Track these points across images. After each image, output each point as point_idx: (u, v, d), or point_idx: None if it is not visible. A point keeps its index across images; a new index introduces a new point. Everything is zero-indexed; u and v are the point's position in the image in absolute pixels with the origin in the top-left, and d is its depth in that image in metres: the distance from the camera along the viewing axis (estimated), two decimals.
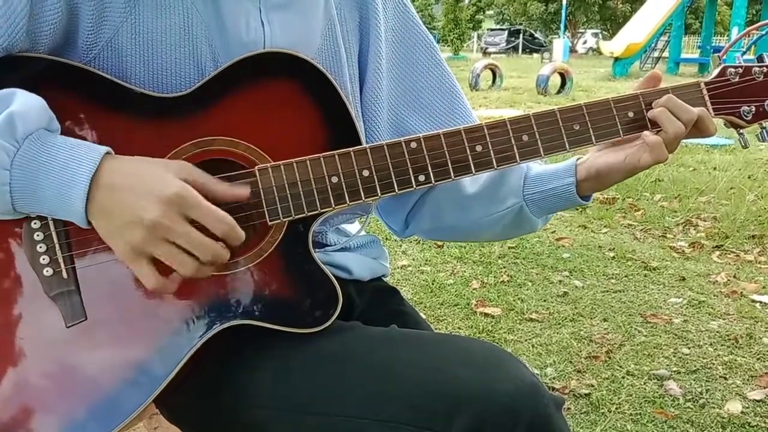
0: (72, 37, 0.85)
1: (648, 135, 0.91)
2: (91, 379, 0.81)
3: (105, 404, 0.81)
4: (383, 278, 1.13)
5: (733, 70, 0.94)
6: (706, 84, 0.94)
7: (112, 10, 0.84)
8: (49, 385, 0.81)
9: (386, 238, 3.53)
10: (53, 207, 0.77)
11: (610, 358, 2.40)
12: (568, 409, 2.06)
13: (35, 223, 0.80)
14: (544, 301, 2.94)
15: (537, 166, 1.02)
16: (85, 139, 0.80)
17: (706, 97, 0.94)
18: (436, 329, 2.13)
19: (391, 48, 1.04)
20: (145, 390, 0.81)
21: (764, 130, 0.96)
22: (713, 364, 2.36)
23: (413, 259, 3.44)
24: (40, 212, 0.78)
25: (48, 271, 0.81)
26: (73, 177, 0.75)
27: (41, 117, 0.77)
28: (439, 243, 3.61)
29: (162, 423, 1.23)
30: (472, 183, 1.05)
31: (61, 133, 0.79)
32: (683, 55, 22.02)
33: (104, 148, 0.77)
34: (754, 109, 0.95)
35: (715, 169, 5.63)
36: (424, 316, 1.12)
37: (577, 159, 0.99)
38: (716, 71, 0.95)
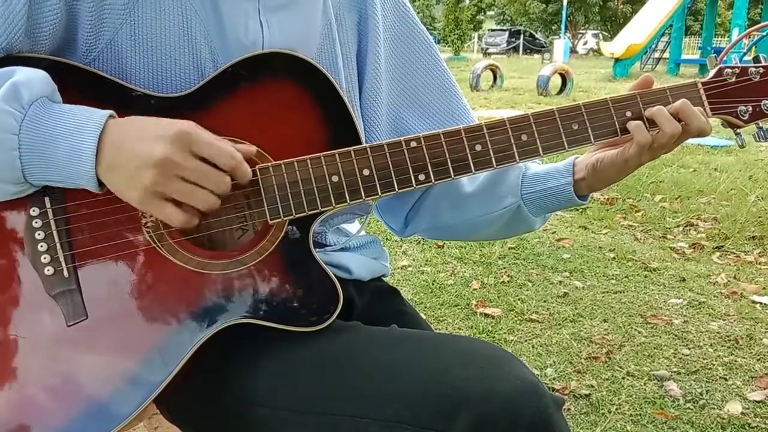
0: (72, 38, 0.85)
1: (632, 122, 0.91)
2: (92, 377, 0.82)
3: (106, 403, 0.81)
4: (383, 278, 1.13)
5: (729, 70, 0.95)
6: (704, 84, 0.95)
7: (111, 12, 0.85)
8: (50, 384, 0.81)
9: (386, 239, 3.53)
10: (63, 171, 0.77)
11: (610, 358, 2.41)
12: (568, 409, 2.06)
13: (36, 222, 0.81)
14: (545, 301, 2.94)
15: (535, 166, 1.03)
16: None
17: (704, 97, 0.94)
18: (436, 329, 2.13)
19: (390, 47, 1.05)
20: (145, 389, 0.82)
21: (761, 130, 0.97)
22: (713, 364, 2.36)
23: (413, 260, 3.44)
24: (50, 179, 0.78)
25: (49, 270, 0.81)
26: (80, 139, 0.76)
27: (44, 86, 0.78)
28: (440, 243, 3.62)
29: (162, 423, 1.23)
30: (470, 182, 1.05)
31: None
32: (684, 56, 22.01)
33: (108, 111, 0.78)
34: (750, 109, 0.95)
35: (715, 170, 5.63)
36: (424, 317, 1.12)
37: (575, 159, 0.99)
38: (713, 71, 0.96)
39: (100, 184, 0.78)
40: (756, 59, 0.96)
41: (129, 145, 0.76)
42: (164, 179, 0.76)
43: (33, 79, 0.77)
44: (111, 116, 0.78)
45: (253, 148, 0.84)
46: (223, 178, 0.79)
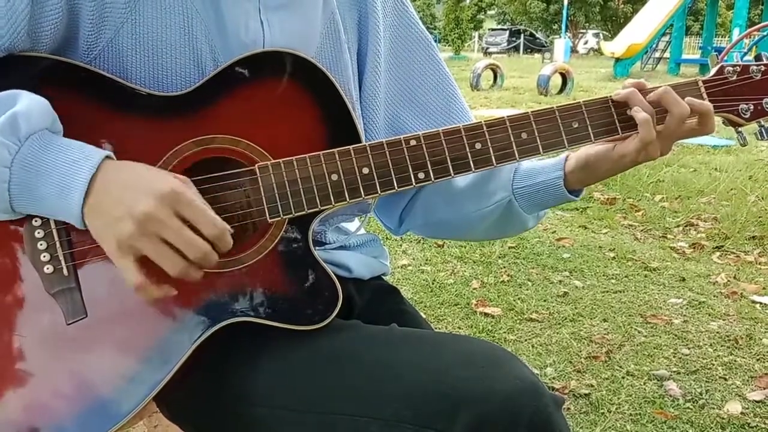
0: (73, 38, 0.85)
1: (637, 111, 0.90)
2: (92, 376, 0.82)
3: (105, 401, 0.81)
4: (383, 277, 1.13)
5: (731, 68, 0.95)
6: (705, 82, 0.95)
7: (112, 11, 0.85)
8: (50, 382, 0.81)
9: (386, 237, 3.53)
10: (51, 207, 0.77)
11: (609, 358, 2.40)
12: (568, 409, 2.06)
13: (36, 221, 0.81)
14: (544, 301, 2.94)
15: (528, 162, 1.02)
16: (86, 137, 0.80)
17: (705, 95, 0.94)
18: (436, 329, 2.13)
19: (389, 46, 1.04)
20: (145, 387, 0.82)
21: (763, 129, 0.97)
22: (713, 364, 2.36)
23: (413, 259, 3.44)
24: (38, 212, 0.79)
25: (49, 269, 0.81)
26: (72, 178, 0.75)
27: (44, 117, 0.78)
28: (440, 242, 3.62)
29: (162, 421, 1.23)
30: (463, 178, 1.05)
31: (63, 132, 0.80)
32: (684, 56, 22.00)
33: (105, 152, 0.78)
34: (752, 107, 0.95)
35: (715, 170, 5.63)
36: (424, 316, 1.12)
37: (567, 154, 0.99)
38: (714, 70, 0.96)
39: (85, 224, 0.78)
40: (758, 57, 0.96)
41: (116, 193, 0.76)
42: (142, 235, 0.75)
43: (33, 109, 0.77)
44: (108, 156, 0.78)
45: (228, 239, 0.79)
46: (202, 246, 0.77)
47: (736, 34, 15.73)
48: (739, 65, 0.94)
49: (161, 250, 0.76)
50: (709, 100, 0.94)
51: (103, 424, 0.81)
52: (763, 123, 0.96)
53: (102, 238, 0.77)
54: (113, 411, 0.81)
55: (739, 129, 0.98)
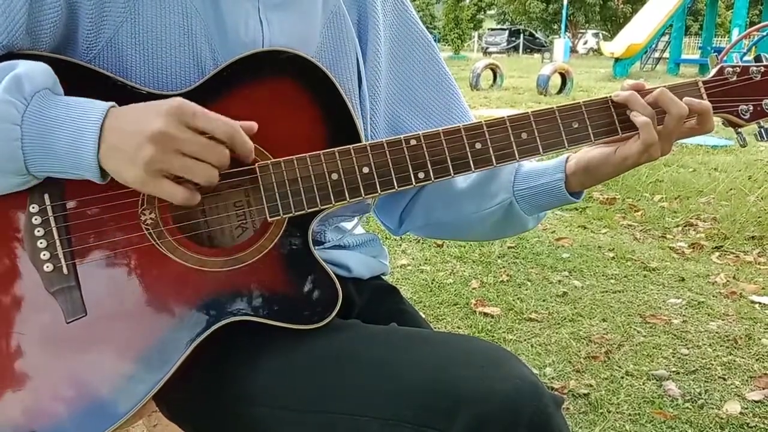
0: (72, 36, 0.85)
1: (637, 115, 0.91)
2: (91, 374, 0.82)
3: (105, 400, 0.81)
4: (383, 277, 1.13)
5: (731, 69, 0.95)
6: (704, 83, 0.95)
7: (112, 9, 0.85)
8: (49, 381, 0.81)
9: (386, 237, 3.53)
10: (66, 160, 0.77)
11: (609, 358, 2.41)
12: (567, 409, 2.07)
13: (36, 219, 0.81)
14: (544, 301, 2.94)
15: (529, 163, 1.02)
16: None
17: (704, 96, 0.94)
18: (435, 329, 2.13)
19: (389, 46, 1.04)
20: (144, 386, 0.82)
21: (762, 129, 0.97)
22: (712, 364, 2.36)
23: (413, 258, 3.44)
24: (53, 170, 0.78)
25: (48, 267, 0.81)
26: (82, 128, 0.76)
27: (47, 78, 0.78)
28: (439, 242, 3.62)
29: (161, 421, 1.23)
30: (463, 179, 1.05)
31: None
32: (684, 56, 22.01)
33: (110, 103, 0.78)
34: (752, 108, 0.95)
35: (715, 170, 5.63)
36: (423, 316, 1.12)
37: (568, 156, 0.99)
38: (714, 70, 0.96)
39: (103, 174, 0.78)
40: (757, 58, 0.96)
41: (127, 127, 0.76)
42: (162, 154, 0.75)
43: (35, 71, 0.77)
44: (113, 106, 0.78)
45: (254, 125, 0.82)
46: (222, 150, 0.78)
47: (735, 34, 15.75)
48: (739, 66, 0.95)
49: (187, 163, 0.77)
50: (709, 101, 0.94)
51: (102, 423, 0.81)
52: (762, 124, 0.97)
53: (127, 173, 0.77)
54: (112, 410, 0.81)
55: (739, 130, 0.98)
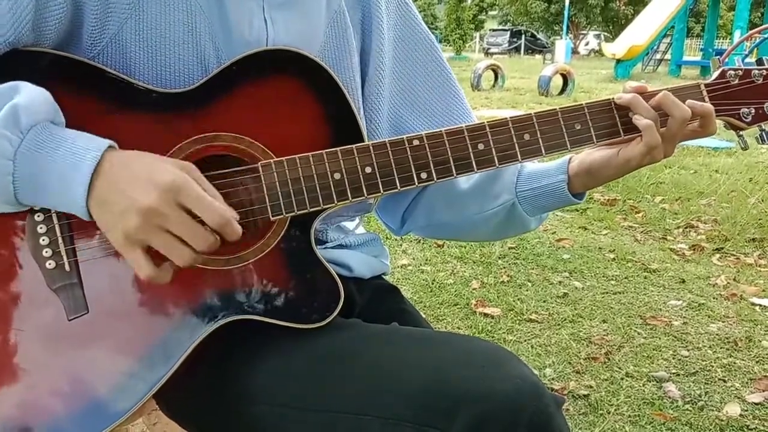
0: (77, 33, 0.85)
1: (639, 119, 0.91)
2: (93, 372, 0.82)
3: (106, 397, 0.81)
4: (384, 276, 1.13)
5: (732, 72, 0.95)
6: (706, 86, 0.95)
7: (116, 6, 0.85)
8: (51, 378, 0.81)
9: (387, 237, 3.53)
10: (55, 198, 0.77)
11: (609, 359, 2.41)
12: (567, 410, 2.07)
13: (38, 216, 0.81)
14: (544, 301, 2.94)
15: (531, 165, 1.02)
16: (88, 133, 0.80)
17: (706, 99, 0.94)
18: (435, 329, 2.14)
19: (393, 46, 1.04)
20: (145, 384, 0.82)
21: (764, 132, 0.97)
22: (712, 366, 2.36)
23: (413, 259, 3.45)
24: (42, 204, 0.78)
25: (50, 264, 0.81)
26: (76, 169, 0.75)
27: (46, 109, 0.77)
28: (440, 242, 3.62)
29: (161, 419, 1.23)
30: (465, 180, 1.05)
31: (66, 127, 0.80)
32: (685, 58, 22.00)
33: (107, 141, 0.77)
34: (753, 111, 0.95)
35: (716, 171, 5.63)
36: (423, 316, 1.13)
37: (570, 157, 0.99)
38: (716, 73, 0.96)
39: (90, 216, 0.77)
40: (759, 62, 0.96)
41: (120, 185, 0.76)
42: (147, 228, 0.75)
43: (34, 101, 0.76)
44: (111, 146, 0.78)
45: (233, 214, 0.79)
46: (207, 237, 0.77)
47: (737, 36, 15.74)
48: (741, 69, 0.95)
49: (168, 242, 0.76)
50: (711, 104, 0.94)
51: (103, 419, 0.81)
52: (764, 127, 0.97)
53: (109, 231, 0.77)
54: (113, 407, 0.81)
55: (741, 133, 0.98)
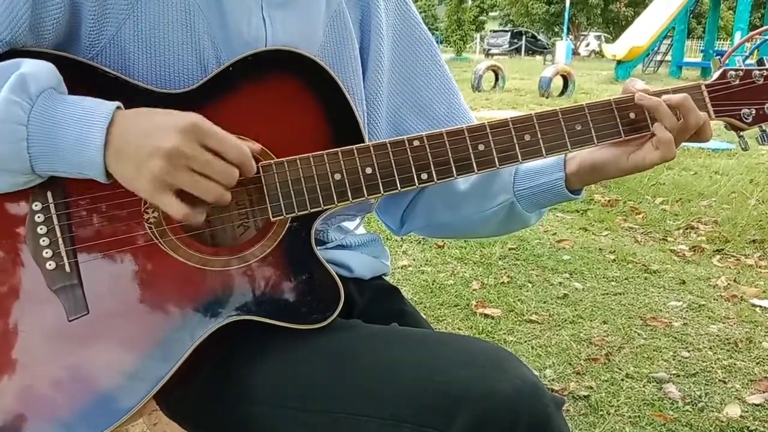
0: (75, 33, 0.85)
1: (661, 130, 0.91)
2: (93, 372, 0.82)
3: (105, 398, 0.81)
4: (384, 277, 1.13)
5: (733, 72, 0.95)
6: (707, 86, 0.95)
7: (114, 7, 0.85)
8: (52, 379, 0.81)
9: (387, 238, 3.53)
10: (70, 160, 0.77)
11: (609, 360, 2.40)
12: (567, 411, 2.06)
13: (39, 216, 0.81)
14: (544, 302, 2.94)
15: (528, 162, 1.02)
16: None
17: (707, 99, 0.94)
18: (435, 330, 2.14)
19: (392, 46, 1.05)
20: (146, 385, 0.82)
21: (764, 133, 0.97)
22: (713, 367, 2.36)
23: (414, 259, 3.44)
24: (57, 169, 0.78)
25: (51, 265, 0.81)
26: (89, 128, 0.76)
27: (51, 77, 0.78)
28: (440, 243, 3.62)
29: (162, 419, 1.23)
30: (464, 180, 1.05)
31: None
32: (686, 59, 22.00)
33: (116, 103, 0.78)
34: (754, 111, 0.95)
35: (716, 173, 5.62)
36: (424, 317, 1.13)
37: (566, 154, 0.99)
38: (717, 74, 0.96)
39: (108, 175, 0.78)
40: (760, 62, 0.96)
41: (139, 135, 0.76)
42: (173, 169, 0.76)
43: (40, 70, 0.77)
44: (119, 107, 0.78)
45: (258, 146, 0.83)
46: (232, 170, 0.78)
47: (738, 37, 15.73)
48: (742, 70, 0.95)
49: (196, 181, 0.77)
50: (712, 104, 0.94)
51: (104, 420, 0.81)
52: (764, 128, 0.97)
53: (134, 181, 0.77)
54: (114, 408, 0.81)
55: (741, 133, 0.98)
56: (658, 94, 0.92)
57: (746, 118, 0.95)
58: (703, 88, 0.95)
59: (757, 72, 0.95)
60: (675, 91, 0.93)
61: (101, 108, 0.77)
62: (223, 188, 0.78)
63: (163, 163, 0.75)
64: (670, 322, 2.74)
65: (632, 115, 0.92)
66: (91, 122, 0.76)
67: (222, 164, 0.78)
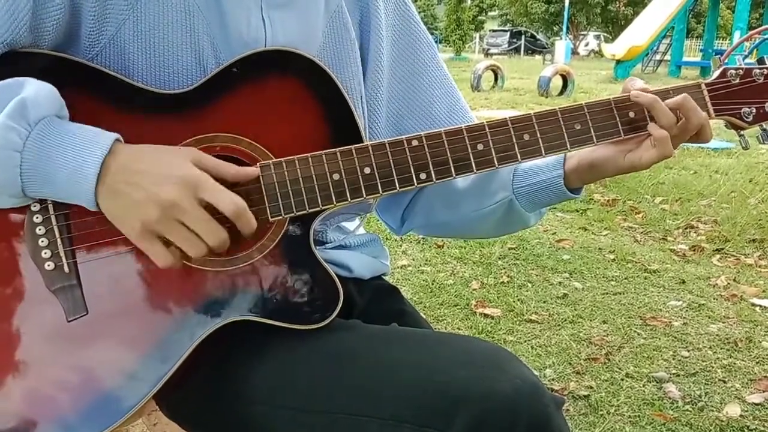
0: (75, 34, 0.85)
1: (655, 128, 0.91)
2: (92, 373, 0.82)
3: (105, 399, 0.81)
4: (383, 277, 1.13)
5: (733, 71, 0.95)
6: (707, 85, 0.95)
7: (114, 8, 0.85)
8: (51, 379, 0.81)
9: (386, 238, 3.53)
10: (63, 189, 0.77)
11: (609, 360, 2.41)
12: (567, 410, 2.06)
13: (37, 217, 0.81)
14: (544, 302, 2.94)
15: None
16: None
17: (707, 98, 0.94)
18: (435, 329, 2.13)
19: (391, 46, 1.04)
20: (145, 385, 0.82)
21: (765, 132, 0.97)
22: (712, 367, 2.36)
23: (413, 259, 3.44)
24: (49, 196, 0.79)
25: (49, 265, 0.81)
26: (85, 159, 0.76)
27: (52, 103, 0.78)
28: (440, 243, 3.62)
29: (161, 419, 1.22)
30: (463, 179, 1.05)
31: None
32: (685, 59, 22.01)
33: (114, 135, 0.78)
34: (754, 110, 0.95)
35: (716, 172, 5.63)
36: (423, 316, 1.12)
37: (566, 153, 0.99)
38: (717, 72, 0.96)
39: (97, 205, 0.78)
40: (760, 61, 0.96)
41: (136, 177, 0.77)
42: (166, 220, 0.77)
43: (41, 95, 0.77)
44: (117, 139, 0.79)
45: (255, 171, 0.84)
46: (222, 234, 0.79)
47: (737, 36, 15.73)
48: (742, 68, 0.95)
49: (184, 235, 0.78)
50: (712, 103, 0.94)
51: (103, 420, 0.81)
52: (765, 126, 0.97)
53: (122, 220, 0.78)
54: (113, 408, 0.81)
55: (741, 132, 0.98)
56: (658, 93, 0.92)
57: (747, 117, 0.95)
58: (703, 87, 0.95)
59: (758, 71, 0.95)
60: (675, 90, 0.93)
61: (99, 142, 0.77)
62: (208, 247, 0.79)
63: (158, 213, 0.76)
64: (670, 322, 2.74)
65: (631, 114, 0.92)
66: (87, 154, 0.76)
67: (214, 225, 0.79)
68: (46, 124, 0.77)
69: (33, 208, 0.81)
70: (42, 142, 0.76)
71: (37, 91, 0.77)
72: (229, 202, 0.79)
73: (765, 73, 0.95)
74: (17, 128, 0.75)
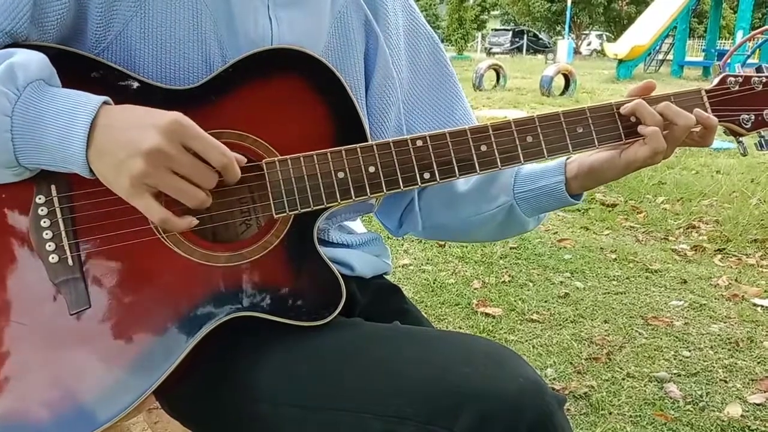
0: (81, 29, 0.86)
1: (644, 127, 0.92)
2: (93, 367, 0.82)
3: (106, 393, 0.81)
4: (385, 276, 1.14)
5: (733, 79, 0.96)
6: (707, 92, 0.96)
7: (121, 4, 0.85)
8: (52, 371, 0.81)
9: (388, 237, 3.53)
10: (54, 155, 0.76)
11: (610, 359, 2.41)
12: (568, 410, 2.07)
13: (42, 210, 0.81)
14: (545, 301, 2.94)
15: (529, 165, 1.03)
16: None
17: (707, 104, 0.95)
18: (436, 328, 2.14)
19: (403, 48, 1.05)
20: (146, 380, 0.82)
21: (763, 139, 0.98)
22: (714, 367, 2.36)
23: (415, 258, 3.45)
24: (42, 163, 0.78)
25: (53, 258, 0.81)
26: (72, 124, 0.75)
27: (42, 69, 0.78)
28: (441, 242, 3.62)
29: (162, 417, 1.23)
30: (464, 182, 1.05)
31: None
32: (687, 59, 21.98)
33: (103, 97, 0.78)
34: (753, 117, 0.96)
35: (718, 172, 5.63)
36: (425, 315, 1.13)
37: (567, 158, 1.00)
38: (717, 79, 0.97)
39: (91, 170, 0.77)
40: (759, 69, 0.97)
41: (120, 133, 0.75)
42: (154, 170, 0.75)
43: (31, 61, 0.77)
44: (106, 102, 0.78)
45: (243, 158, 0.82)
46: (213, 175, 0.78)
47: (739, 36, 15.71)
48: (741, 76, 0.96)
49: (176, 184, 0.76)
50: (712, 110, 0.95)
51: (103, 414, 0.81)
52: (763, 134, 0.98)
53: (113, 180, 0.77)
54: (114, 402, 0.81)
55: (740, 139, 0.99)
56: (658, 100, 0.93)
57: (745, 124, 0.96)
58: (704, 93, 0.96)
59: (756, 78, 0.96)
60: (675, 96, 0.94)
61: (87, 103, 0.76)
62: (203, 193, 0.77)
63: (143, 164, 0.74)
64: (672, 322, 2.74)
65: (633, 119, 0.93)
66: (74, 117, 0.75)
67: (203, 167, 0.77)
68: (35, 88, 0.76)
69: (38, 201, 0.81)
70: (31, 107, 0.75)
71: (26, 57, 0.77)
72: (217, 151, 0.77)
73: (764, 80, 0.96)
74: (6, 92, 0.74)
